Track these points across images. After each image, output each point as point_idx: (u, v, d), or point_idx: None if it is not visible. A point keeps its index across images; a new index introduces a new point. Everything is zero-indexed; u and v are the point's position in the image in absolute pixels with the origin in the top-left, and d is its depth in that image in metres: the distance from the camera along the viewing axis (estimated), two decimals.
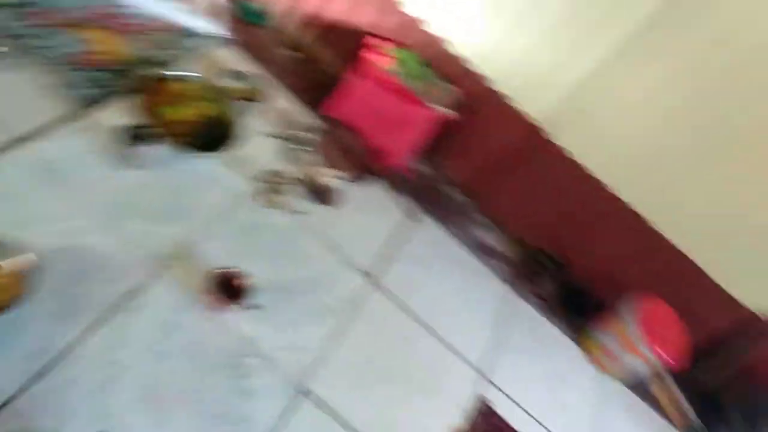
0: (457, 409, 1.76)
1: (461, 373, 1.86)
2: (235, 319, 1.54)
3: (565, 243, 2.33)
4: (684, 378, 2.29)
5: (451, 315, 1.98)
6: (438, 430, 1.68)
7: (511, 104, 2.13)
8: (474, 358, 1.92)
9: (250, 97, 2.05)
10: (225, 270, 1.55)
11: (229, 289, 1.54)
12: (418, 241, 2.09)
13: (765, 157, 1.88)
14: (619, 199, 2.14)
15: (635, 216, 2.14)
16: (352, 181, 2.08)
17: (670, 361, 2.07)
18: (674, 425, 2.25)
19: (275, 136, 2.02)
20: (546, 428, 1.89)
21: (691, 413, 2.28)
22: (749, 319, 2.20)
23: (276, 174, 1.88)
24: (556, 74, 2.02)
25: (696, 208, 2.05)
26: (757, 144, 1.87)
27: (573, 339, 2.24)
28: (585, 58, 1.96)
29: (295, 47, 2.36)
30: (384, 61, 2.08)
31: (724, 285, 2.16)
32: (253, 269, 1.59)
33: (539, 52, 2.01)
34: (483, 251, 2.27)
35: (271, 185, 1.85)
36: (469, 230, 2.30)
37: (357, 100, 2.11)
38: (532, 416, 1.89)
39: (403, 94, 2.05)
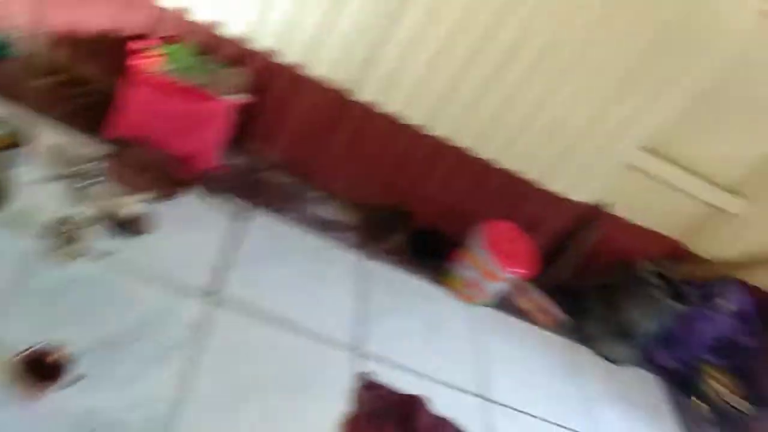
0: (342, 395, 1.70)
1: (335, 356, 1.80)
2: (63, 398, 1.34)
3: (400, 194, 2.32)
4: (543, 282, 2.42)
5: (309, 302, 1.90)
6: (328, 424, 1.61)
7: (305, 73, 2.03)
8: (344, 337, 1.86)
9: (11, 144, 1.77)
10: (32, 350, 1.33)
11: (43, 369, 1.33)
12: (253, 239, 1.97)
13: (534, 60, 1.95)
14: (437, 138, 2.15)
15: (456, 150, 2.17)
16: (162, 200, 1.89)
17: (524, 272, 2.15)
18: (547, 328, 2.38)
19: (55, 179, 1.77)
20: (434, 379, 1.90)
21: (558, 312, 2.42)
22: (583, 211, 2.35)
23: (66, 220, 1.65)
24: (343, 33, 1.94)
25: (502, 124, 2.11)
26: (527, 50, 1.94)
27: (436, 282, 2.27)
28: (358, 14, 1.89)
29: (53, 72, 2.07)
30: (155, 62, 1.88)
31: (553, 188, 2.27)
32: (67, 336, 1.39)
33: (317, 14, 1.91)
34: (324, 226, 2.19)
35: (64, 235, 1.62)
36: (304, 210, 2.21)
37: (138, 111, 1.90)
38: (419, 372, 1.89)
39: (185, 91, 1.87)
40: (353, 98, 2.07)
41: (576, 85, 2.01)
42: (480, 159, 2.19)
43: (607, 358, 2.39)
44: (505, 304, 2.32)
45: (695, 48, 1.94)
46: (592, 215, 2.37)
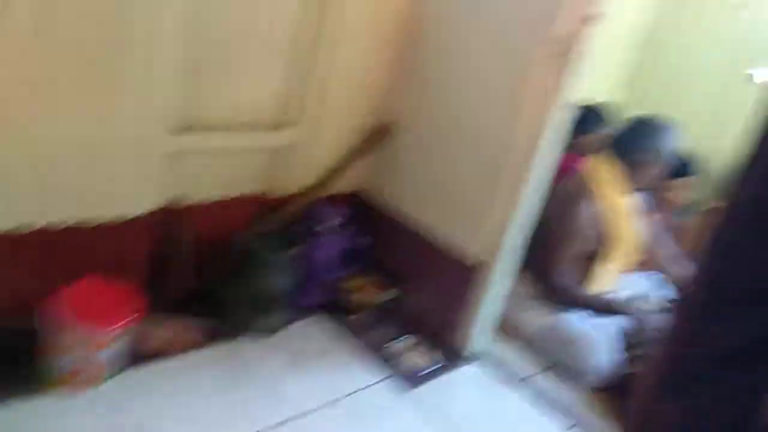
0: None
1: None
2: None
3: None
4: (165, 307, 2.18)
5: None
6: None
7: None
8: None
9: None
10: None
11: None
12: None
13: None
14: None
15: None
16: None
17: (132, 316, 1.88)
18: (192, 349, 2.17)
19: None
20: None
21: (196, 326, 2.22)
22: (161, 218, 2.13)
23: None
24: None
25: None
26: None
27: (32, 392, 1.82)
28: None
29: None
30: None
31: (108, 216, 1.98)
32: None
33: None
34: None
35: None
36: None
37: None
38: None
39: None
40: None
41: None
42: None
43: (263, 333, 2.32)
44: (135, 359, 2.02)
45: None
46: (171, 217, 2.18)
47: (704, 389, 1.14)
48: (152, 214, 2.11)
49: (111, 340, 1.84)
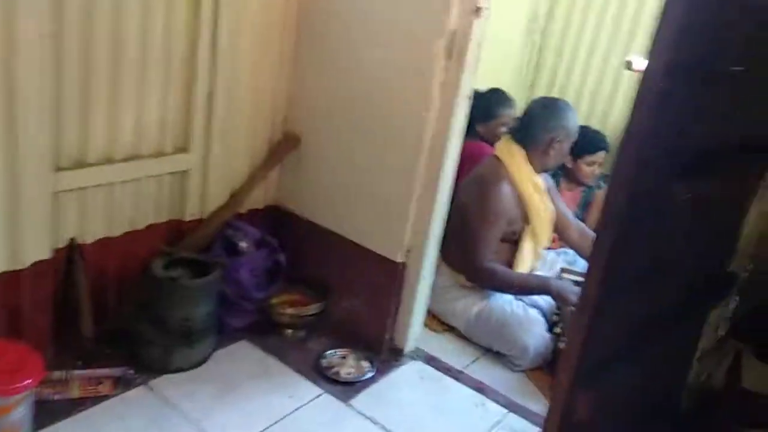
0: None
1: None
2: None
3: None
4: (78, 354, 2.04)
5: None
6: None
7: None
8: None
9: None
10: None
11: None
12: None
13: None
14: None
15: None
16: None
17: (36, 373, 1.73)
18: (113, 394, 2.03)
19: None
20: None
21: (110, 372, 2.08)
22: (59, 262, 1.99)
23: None
24: None
25: None
26: None
27: None
28: None
29: None
30: None
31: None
32: None
33: None
34: None
35: None
36: None
37: None
38: None
39: None
40: None
41: None
42: None
43: (183, 369, 2.20)
44: (50, 415, 1.87)
45: None
46: (70, 259, 2.04)
47: (617, 371, 1.17)
48: (48, 260, 1.97)
49: (15, 404, 1.69)
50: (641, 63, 0.91)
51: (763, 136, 1.43)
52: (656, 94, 0.93)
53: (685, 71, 0.94)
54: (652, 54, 0.91)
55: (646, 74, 0.93)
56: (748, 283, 1.66)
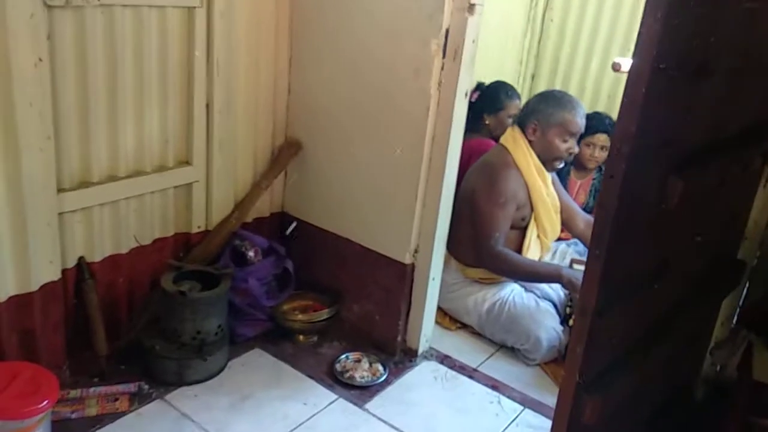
0: None
1: None
2: None
3: None
4: (93, 372, 2.06)
5: None
6: None
7: None
8: None
9: None
10: None
11: None
12: None
13: None
14: None
15: None
16: None
17: (50, 396, 1.75)
18: (129, 411, 2.05)
19: None
20: None
21: (125, 388, 2.10)
22: (66, 283, 2.01)
23: None
24: None
25: None
26: None
27: None
28: None
29: None
30: None
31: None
32: None
33: None
34: None
35: None
36: None
37: None
38: None
39: None
40: None
41: None
42: None
43: (198, 381, 2.21)
44: None
45: None
46: (77, 279, 2.06)
47: (620, 374, 1.15)
48: (58, 281, 1.99)
49: (33, 426, 1.71)
50: (628, 64, 0.89)
51: (755, 125, 1.40)
52: (644, 92, 0.91)
53: (672, 68, 0.92)
54: (639, 53, 0.90)
55: (634, 72, 0.91)
56: (758, 270, 1.63)
